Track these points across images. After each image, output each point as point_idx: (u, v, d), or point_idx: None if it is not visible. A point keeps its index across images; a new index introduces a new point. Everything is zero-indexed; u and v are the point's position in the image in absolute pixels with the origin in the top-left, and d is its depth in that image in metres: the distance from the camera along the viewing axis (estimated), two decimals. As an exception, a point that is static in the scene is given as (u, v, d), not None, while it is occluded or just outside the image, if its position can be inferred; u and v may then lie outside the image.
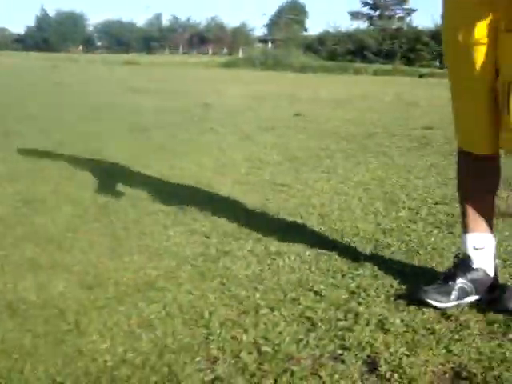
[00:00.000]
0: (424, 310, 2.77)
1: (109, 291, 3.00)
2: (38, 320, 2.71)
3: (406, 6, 72.05)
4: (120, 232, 3.94)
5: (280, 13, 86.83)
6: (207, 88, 16.72)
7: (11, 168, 5.86)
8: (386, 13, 69.92)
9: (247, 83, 18.76)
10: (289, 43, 40.62)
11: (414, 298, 2.83)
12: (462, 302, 2.80)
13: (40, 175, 5.55)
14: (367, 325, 2.63)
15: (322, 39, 43.05)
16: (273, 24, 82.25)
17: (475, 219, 2.92)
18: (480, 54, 2.67)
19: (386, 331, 2.58)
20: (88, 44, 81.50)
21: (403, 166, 6.14)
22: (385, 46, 37.87)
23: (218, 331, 2.58)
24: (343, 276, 3.18)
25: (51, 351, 2.45)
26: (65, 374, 2.28)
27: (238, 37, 67.57)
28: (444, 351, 2.42)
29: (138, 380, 2.22)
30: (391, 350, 2.42)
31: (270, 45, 51.38)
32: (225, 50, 62.30)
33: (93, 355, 2.41)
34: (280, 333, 2.57)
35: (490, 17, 2.63)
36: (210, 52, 60.37)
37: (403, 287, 3.03)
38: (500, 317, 2.70)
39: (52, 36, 78.29)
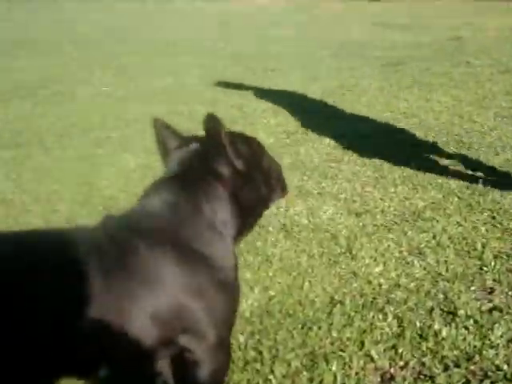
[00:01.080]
0: None
1: (377, 219, 3.07)
2: (311, 242, 2.86)
3: None
4: (381, 163, 3.96)
5: None
6: (459, 21, 15.89)
7: (272, 102, 6.13)
8: None
9: (502, 15, 17.48)
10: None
11: None
12: None
13: (295, 109, 5.74)
14: None
15: None
16: None
17: None
18: None
19: None
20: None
21: None
22: None
23: (493, 263, 2.52)
24: None
25: (326, 271, 2.58)
26: (341, 292, 2.39)
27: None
28: None
29: (413, 303, 2.26)
30: None
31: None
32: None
33: (367, 277, 2.49)
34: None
35: None
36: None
37: None
38: None
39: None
